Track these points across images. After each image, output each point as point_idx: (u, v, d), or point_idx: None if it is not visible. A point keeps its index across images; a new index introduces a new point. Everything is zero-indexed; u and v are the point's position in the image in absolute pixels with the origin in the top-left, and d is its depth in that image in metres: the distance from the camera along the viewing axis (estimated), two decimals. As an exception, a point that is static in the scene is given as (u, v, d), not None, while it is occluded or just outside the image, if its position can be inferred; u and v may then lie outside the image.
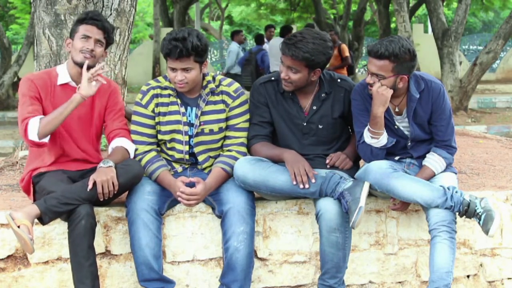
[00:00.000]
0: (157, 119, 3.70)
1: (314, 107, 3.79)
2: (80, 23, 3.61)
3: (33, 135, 3.45)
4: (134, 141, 3.70)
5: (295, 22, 25.17)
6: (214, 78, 3.75)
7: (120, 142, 3.65)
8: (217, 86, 3.74)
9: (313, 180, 3.56)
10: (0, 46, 16.38)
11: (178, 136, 3.70)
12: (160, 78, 3.75)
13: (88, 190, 3.35)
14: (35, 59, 4.69)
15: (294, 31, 13.78)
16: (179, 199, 3.60)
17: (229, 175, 3.69)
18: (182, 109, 3.69)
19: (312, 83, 3.76)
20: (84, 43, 3.57)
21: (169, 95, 3.70)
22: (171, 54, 3.51)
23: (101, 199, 3.38)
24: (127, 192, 3.60)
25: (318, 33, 3.67)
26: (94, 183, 3.36)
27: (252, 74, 12.25)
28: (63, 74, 3.65)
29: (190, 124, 3.71)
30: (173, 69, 3.57)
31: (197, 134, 3.71)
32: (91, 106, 3.67)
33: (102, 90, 3.70)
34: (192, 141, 3.72)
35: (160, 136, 3.72)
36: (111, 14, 4.64)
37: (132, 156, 3.66)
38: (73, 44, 3.60)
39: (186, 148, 3.71)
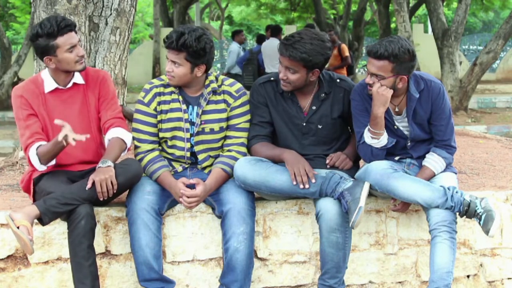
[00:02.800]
0: (159, 117, 3.70)
1: (314, 107, 3.79)
2: (53, 38, 3.45)
3: (39, 166, 3.49)
4: (135, 139, 3.70)
5: (295, 22, 25.17)
6: (216, 78, 3.76)
7: (116, 132, 3.60)
8: (219, 86, 3.75)
9: (313, 180, 3.56)
10: (0, 46, 16.38)
11: (179, 134, 3.70)
12: (163, 77, 3.77)
13: (86, 188, 3.34)
14: (35, 59, 4.69)
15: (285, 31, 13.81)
16: (180, 200, 3.60)
17: (229, 176, 3.69)
18: (184, 106, 3.69)
19: (311, 83, 3.76)
20: (74, 52, 3.49)
21: (171, 93, 3.70)
22: (165, 42, 3.59)
23: (101, 199, 3.38)
24: (127, 192, 3.60)
25: (316, 33, 3.66)
26: (93, 183, 3.36)
27: (255, 74, 12.22)
28: (49, 81, 3.60)
29: (192, 123, 3.71)
30: (167, 58, 3.62)
31: (198, 133, 3.71)
32: (84, 101, 3.64)
33: (92, 81, 3.66)
34: (193, 140, 3.72)
35: (161, 134, 3.72)
36: (111, 14, 4.65)
37: (129, 145, 3.64)
38: (59, 59, 3.49)
39: (188, 145, 3.71)
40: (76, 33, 3.54)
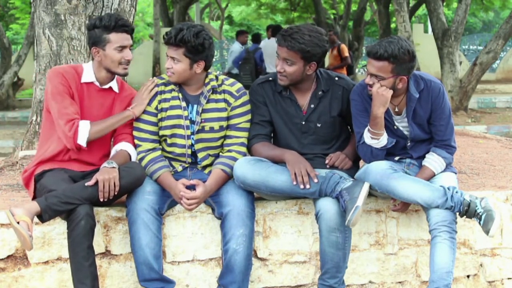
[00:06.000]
0: (159, 116, 3.71)
1: (312, 105, 3.79)
2: (108, 31, 3.55)
3: (82, 140, 3.54)
4: (136, 138, 3.71)
5: (295, 22, 25.17)
6: (216, 77, 3.77)
7: (125, 146, 3.68)
8: (220, 85, 3.76)
9: (316, 180, 3.55)
10: (0, 46, 16.37)
11: (179, 131, 3.70)
12: (164, 75, 3.78)
13: (86, 184, 3.35)
14: (35, 59, 4.69)
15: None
16: (180, 202, 3.61)
17: (229, 176, 3.69)
18: (184, 104, 3.70)
19: (308, 80, 3.76)
20: (121, 53, 3.58)
21: (172, 90, 3.72)
22: (164, 39, 3.62)
23: (101, 199, 3.38)
24: (127, 192, 3.61)
25: (313, 26, 3.72)
26: (96, 182, 3.36)
27: (252, 73, 12.25)
28: (89, 73, 3.66)
29: (192, 121, 3.71)
30: (167, 56, 3.65)
31: (198, 131, 3.72)
32: (110, 109, 3.70)
33: (124, 95, 3.75)
34: (193, 138, 3.72)
35: (161, 132, 3.72)
36: (111, 14, 4.64)
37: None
38: (106, 54, 3.57)
39: (189, 142, 3.72)
40: (132, 39, 3.65)
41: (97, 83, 3.66)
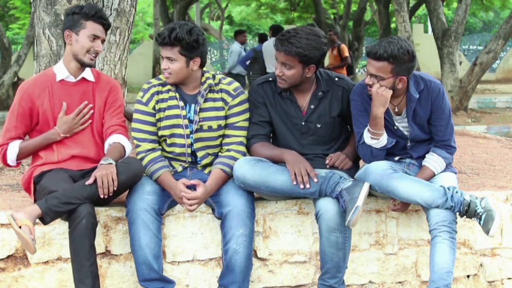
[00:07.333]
0: (157, 116, 3.71)
1: (312, 106, 3.79)
2: (86, 18, 3.60)
3: (11, 161, 3.68)
4: (135, 139, 3.71)
5: (295, 22, 25.19)
6: (214, 76, 3.77)
7: (117, 138, 3.67)
8: (217, 84, 3.76)
9: (315, 180, 3.55)
10: (0, 46, 16.37)
11: (178, 131, 3.71)
12: (161, 76, 3.79)
13: (86, 183, 3.36)
14: (35, 59, 4.69)
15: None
16: (180, 202, 3.61)
17: (228, 176, 3.69)
18: (181, 103, 3.70)
19: (308, 81, 3.76)
20: (92, 43, 3.61)
21: (169, 91, 3.72)
22: (157, 40, 3.64)
23: (101, 195, 3.37)
24: (127, 192, 3.60)
25: (312, 29, 3.69)
26: (95, 180, 3.37)
27: (261, 73, 12.20)
28: (61, 70, 3.68)
29: (190, 121, 3.72)
30: (162, 57, 3.66)
31: (196, 130, 3.72)
32: (91, 98, 3.70)
33: (103, 84, 3.75)
34: (192, 137, 3.73)
35: (160, 132, 3.72)
36: (111, 14, 4.65)
37: (127, 154, 3.68)
38: (78, 39, 3.61)
39: (188, 141, 3.72)
40: (106, 34, 3.70)
41: (71, 78, 3.68)
